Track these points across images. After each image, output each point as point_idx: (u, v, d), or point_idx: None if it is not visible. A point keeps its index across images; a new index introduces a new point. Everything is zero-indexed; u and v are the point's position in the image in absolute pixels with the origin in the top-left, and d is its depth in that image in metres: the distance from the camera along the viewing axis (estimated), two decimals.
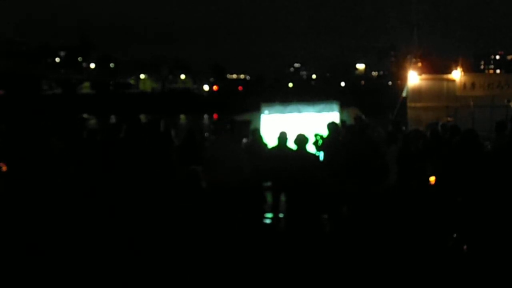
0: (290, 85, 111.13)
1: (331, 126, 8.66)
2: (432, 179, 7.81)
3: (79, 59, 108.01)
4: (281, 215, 7.79)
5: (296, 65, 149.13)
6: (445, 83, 16.40)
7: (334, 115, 12.11)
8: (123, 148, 7.55)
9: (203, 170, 7.33)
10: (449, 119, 13.75)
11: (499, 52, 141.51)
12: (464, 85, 16.11)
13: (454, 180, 7.01)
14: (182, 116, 57.40)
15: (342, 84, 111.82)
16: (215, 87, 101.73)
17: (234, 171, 6.52)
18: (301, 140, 7.47)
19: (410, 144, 8.60)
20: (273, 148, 8.11)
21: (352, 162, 7.44)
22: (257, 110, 12.75)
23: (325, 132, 8.91)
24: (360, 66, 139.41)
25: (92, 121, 43.45)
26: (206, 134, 12.04)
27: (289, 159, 7.48)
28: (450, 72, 16.76)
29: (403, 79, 17.14)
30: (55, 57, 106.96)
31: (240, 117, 11.81)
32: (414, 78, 16.32)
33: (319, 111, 12.59)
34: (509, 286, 5.71)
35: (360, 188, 7.38)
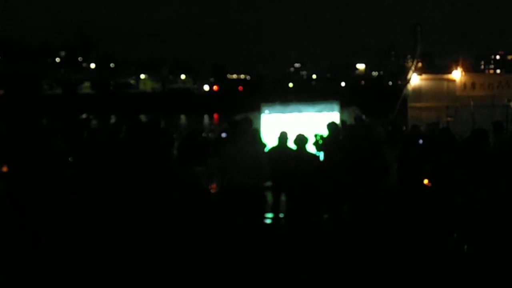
0: (290, 85, 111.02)
1: (331, 126, 8.66)
2: (426, 181, 7.83)
3: (79, 59, 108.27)
4: (281, 215, 7.80)
5: (296, 65, 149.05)
6: (445, 83, 16.39)
7: (334, 115, 12.11)
8: (124, 148, 7.56)
9: (218, 169, 7.30)
10: (449, 119, 13.73)
11: (499, 52, 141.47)
12: (464, 85, 16.10)
13: (453, 180, 7.01)
14: (182, 116, 57.37)
15: (342, 84, 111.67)
16: (215, 87, 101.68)
17: (255, 172, 6.56)
18: (301, 140, 7.47)
19: (410, 144, 8.61)
20: (273, 148, 8.12)
21: (352, 162, 7.45)
22: (257, 110, 12.76)
23: (325, 132, 8.91)
24: (360, 66, 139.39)
25: (93, 121, 43.35)
26: (203, 134, 12.02)
27: (289, 159, 7.48)
28: (450, 72, 16.75)
29: (403, 79, 17.12)
30: (55, 57, 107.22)
31: (240, 117, 11.80)
32: (414, 78, 16.32)
33: (319, 111, 12.60)
34: (510, 286, 5.72)
35: (360, 188, 7.38)
